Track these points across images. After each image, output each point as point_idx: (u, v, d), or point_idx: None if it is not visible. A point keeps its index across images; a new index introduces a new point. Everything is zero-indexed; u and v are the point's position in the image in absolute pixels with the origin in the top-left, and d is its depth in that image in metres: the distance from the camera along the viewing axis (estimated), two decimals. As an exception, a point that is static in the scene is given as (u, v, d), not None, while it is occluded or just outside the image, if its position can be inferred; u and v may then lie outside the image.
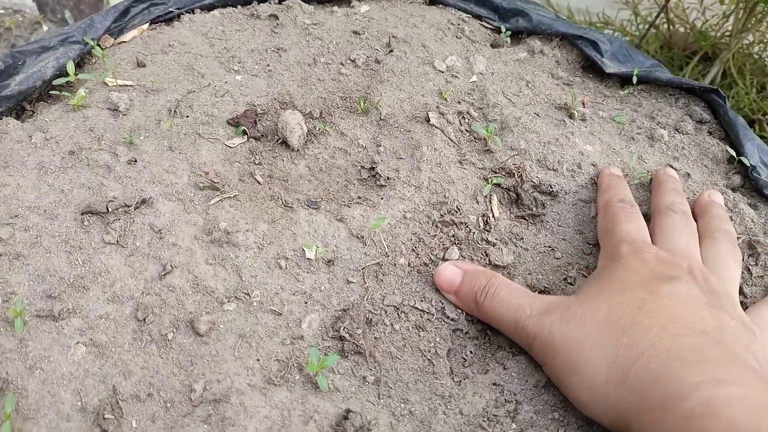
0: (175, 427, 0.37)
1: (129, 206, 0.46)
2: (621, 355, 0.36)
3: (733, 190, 0.55)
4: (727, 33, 0.96)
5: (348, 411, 0.37)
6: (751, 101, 0.92)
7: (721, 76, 0.96)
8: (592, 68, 0.68)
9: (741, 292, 0.47)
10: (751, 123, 0.92)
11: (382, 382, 0.40)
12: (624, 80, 0.66)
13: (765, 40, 0.97)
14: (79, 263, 0.43)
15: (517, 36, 0.70)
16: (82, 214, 0.45)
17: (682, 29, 1.04)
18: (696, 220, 0.49)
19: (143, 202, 0.47)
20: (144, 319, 0.41)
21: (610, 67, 0.65)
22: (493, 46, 0.67)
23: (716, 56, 0.97)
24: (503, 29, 0.69)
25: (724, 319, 0.38)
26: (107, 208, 0.45)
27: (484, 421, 0.38)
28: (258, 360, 0.40)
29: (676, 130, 0.59)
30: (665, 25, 1.05)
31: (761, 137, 0.75)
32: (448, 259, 0.46)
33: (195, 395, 0.38)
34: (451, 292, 0.44)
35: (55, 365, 0.38)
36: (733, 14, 0.93)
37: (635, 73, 0.64)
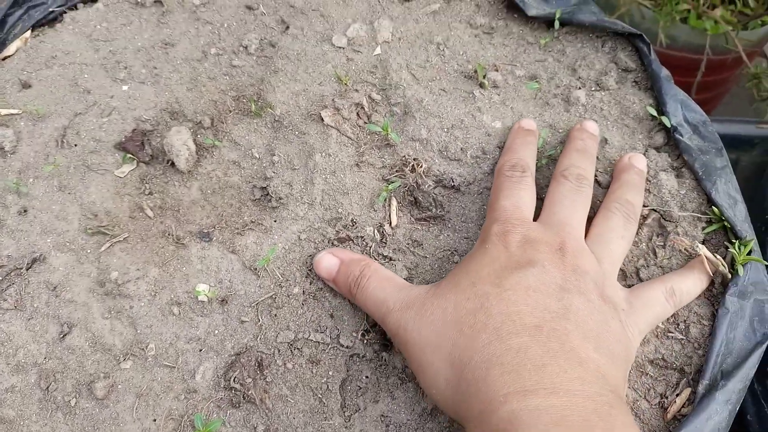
0: (80, 499, 0.40)
1: (20, 268, 0.46)
2: (456, 357, 0.36)
3: (657, 150, 0.52)
4: None
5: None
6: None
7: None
8: (515, 8, 0.61)
9: (638, 276, 0.46)
10: None
11: (272, 430, 0.41)
12: (550, 22, 0.60)
13: None
14: (-20, 336, 0.45)
15: (431, -22, 0.63)
16: (-23, 282, 0.46)
17: None
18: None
19: (34, 260, 0.47)
20: (47, 388, 0.43)
21: (533, 8, 0.59)
22: (402, -1, 0.61)
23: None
24: (415, -27, 0.62)
25: (573, 303, 0.37)
26: (-2, 276, 0.46)
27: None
28: (155, 420, 0.42)
29: (598, 84, 0.55)
30: None
31: None
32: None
33: (97, 464, 0.40)
34: (330, 280, 0.45)
35: (-33, 449, 0.41)
36: None
37: (557, 16, 0.58)
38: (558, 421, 0.31)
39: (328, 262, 0.45)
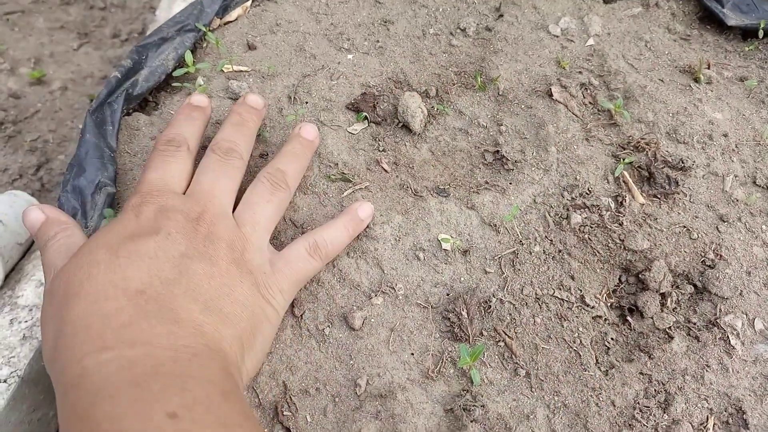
0: (347, 421, 0.40)
1: (269, 203, 0.48)
2: (58, 329, 0.35)
3: None
4: None
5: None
6: None
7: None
8: (709, 18, 0.64)
9: None
10: None
11: (533, 374, 0.41)
12: (746, 32, 0.62)
13: None
14: (232, 262, 0.45)
15: (628, -14, 0.66)
16: (227, 213, 0.48)
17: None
18: None
19: (282, 197, 0.48)
20: (301, 315, 0.44)
21: (732, 18, 0.61)
22: (605, 0, 0.64)
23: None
24: (614, -20, 0.65)
25: (191, 268, 0.37)
26: (251, 207, 0.47)
27: (637, 412, 0.39)
28: (412, 354, 0.42)
29: (812, 89, 0.56)
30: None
31: None
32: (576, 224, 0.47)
33: (360, 390, 0.40)
34: (33, 234, 0.43)
35: (229, 363, 0.42)
36: None
37: (762, 26, 0.60)
38: (123, 369, 0.31)
39: (34, 215, 0.43)
